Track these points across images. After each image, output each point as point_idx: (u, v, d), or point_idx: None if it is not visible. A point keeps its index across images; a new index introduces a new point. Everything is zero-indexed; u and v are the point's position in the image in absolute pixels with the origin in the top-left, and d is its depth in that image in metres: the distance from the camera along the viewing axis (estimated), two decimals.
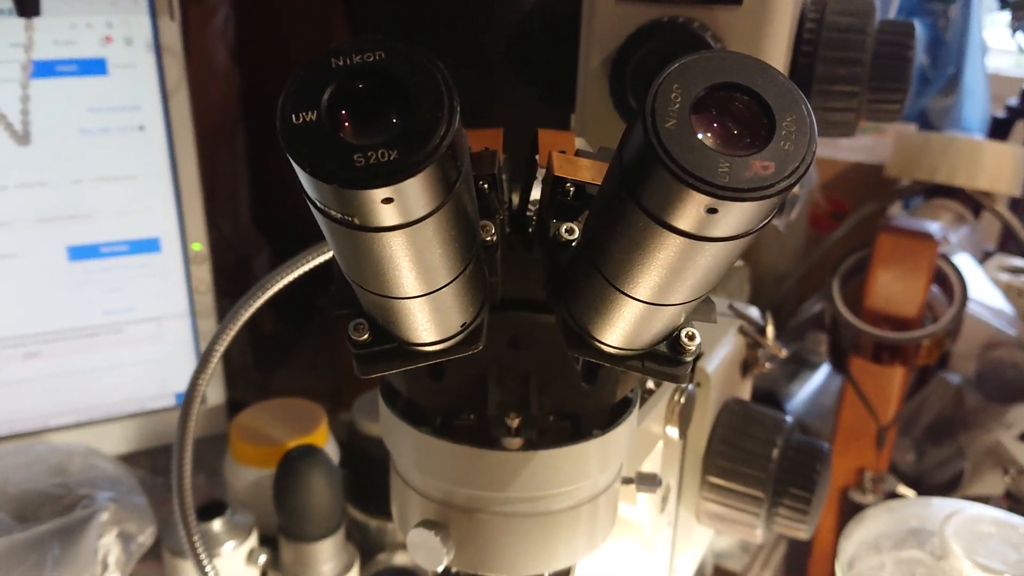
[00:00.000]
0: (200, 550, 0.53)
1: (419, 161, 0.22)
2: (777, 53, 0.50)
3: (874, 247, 0.78)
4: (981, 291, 0.89)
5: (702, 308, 0.31)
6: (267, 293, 0.50)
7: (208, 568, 0.53)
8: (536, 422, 0.37)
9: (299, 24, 0.96)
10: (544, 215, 0.34)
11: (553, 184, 0.34)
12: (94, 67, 0.72)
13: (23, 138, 0.67)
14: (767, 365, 0.59)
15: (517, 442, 0.37)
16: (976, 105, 1.44)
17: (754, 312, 0.59)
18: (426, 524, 0.39)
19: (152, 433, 0.80)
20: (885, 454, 0.83)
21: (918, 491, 0.85)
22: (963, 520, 0.62)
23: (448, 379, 0.38)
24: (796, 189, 0.22)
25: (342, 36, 0.92)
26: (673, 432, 0.50)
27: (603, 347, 0.32)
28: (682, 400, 0.49)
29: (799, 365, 0.98)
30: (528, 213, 0.37)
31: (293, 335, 1.02)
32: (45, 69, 0.70)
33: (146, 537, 0.61)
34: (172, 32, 0.73)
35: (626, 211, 0.24)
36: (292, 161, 0.22)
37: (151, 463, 0.79)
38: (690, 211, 0.23)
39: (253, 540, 0.66)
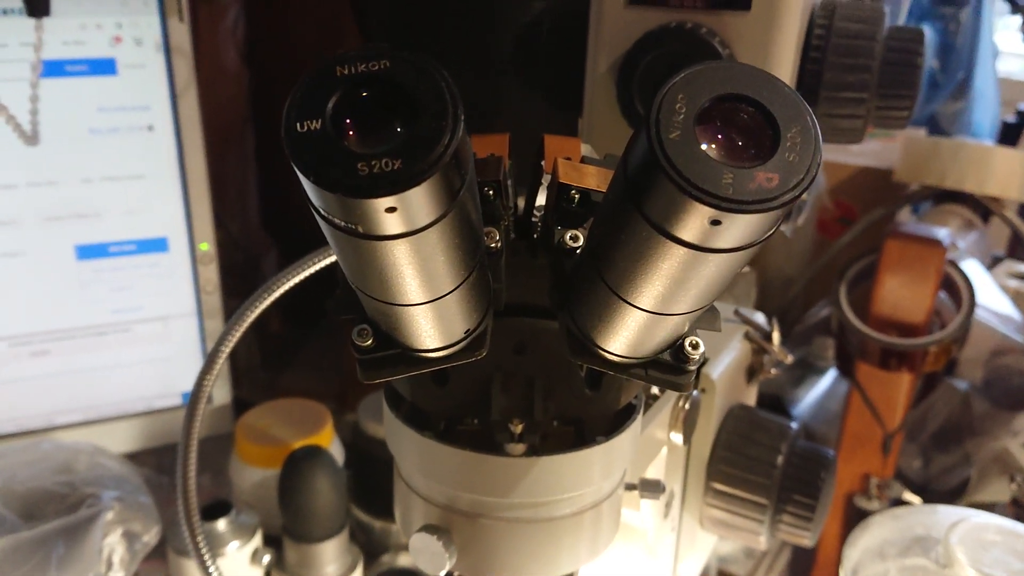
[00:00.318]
0: (204, 550, 0.53)
1: (423, 170, 0.22)
2: (785, 59, 0.49)
3: (882, 252, 0.78)
4: (989, 297, 0.89)
5: (706, 316, 0.31)
6: (274, 295, 0.50)
7: (212, 568, 0.54)
8: (539, 428, 0.37)
9: (308, 25, 0.96)
10: (549, 222, 0.34)
11: (558, 191, 0.34)
12: (104, 67, 0.72)
13: (32, 138, 0.68)
14: (773, 371, 0.58)
15: (520, 448, 0.37)
16: (986, 110, 1.44)
17: (760, 318, 0.59)
18: (429, 529, 0.39)
19: (158, 432, 0.80)
20: (891, 461, 0.83)
21: (924, 498, 0.84)
22: (968, 528, 0.62)
23: (452, 384, 0.38)
24: (804, 195, 0.22)
25: (350, 37, 0.92)
26: (677, 438, 0.50)
27: (606, 355, 0.32)
28: (687, 406, 0.49)
29: (805, 370, 0.98)
30: (533, 219, 0.37)
31: (300, 336, 1.02)
32: (55, 69, 0.70)
33: (151, 536, 0.61)
34: (182, 33, 0.73)
35: (630, 220, 0.24)
36: (296, 169, 0.22)
37: (157, 461, 0.79)
38: (694, 222, 0.22)
39: (257, 540, 0.66)
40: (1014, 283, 0.98)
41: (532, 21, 0.58)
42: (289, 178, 0.23)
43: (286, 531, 0.66)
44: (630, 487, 0.45)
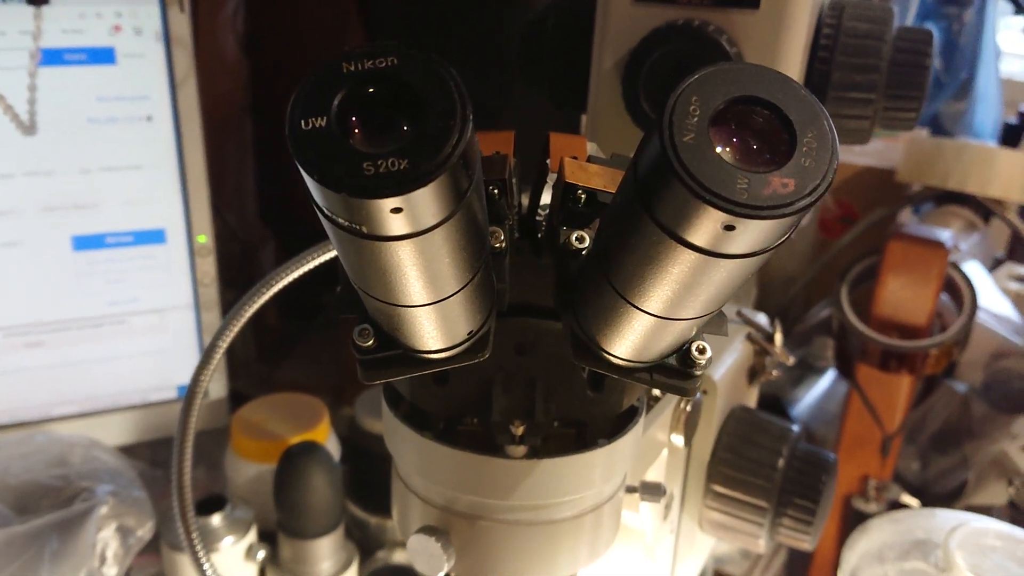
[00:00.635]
0: (198, 545, 0.53)
1: (430, 171, 0.21)
2: (793, 58, 0.49)
3: (884, 254, 0.78)
4: (990, 300, 0.88)
5: (713, 320, 0.31)
6: (271, 290, 0.50)
7: (205, 564, 0.53)
8: (541, 430, 0.37)
9: (310, 16, 0.95)
10: (554, 221, 0.34)
11: (564, 191, 0.33)
12: (103, 56, 0.71)
13: (29, 128, 0.67)
14: (774, 373, 0.58)
15: (521, 450, 0.37)
16: (988, 110, 1.43)
17: (762, 319, 0.58)
18: (427, 530, 0.38)
19: (154, 425, 0.80)
20: (890, 463, 0.83)
21: (922, 500, 0.84)
22: (968, 533, 0.62)
23: (452, 384, 0.37)
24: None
25: (354, 29, 0.92)
26: (678, 440, 0.49)
27: (611, 358, 0.31)
28: (688, 408, 0.49)
29: (804, 370, 0.98)
30: (538, 218, 0.37)
31: (297, 329, 1.02)
32: (54, 57, 0.70)
33: (145, 531, 0.60)
34: (181, 22, 0.73)
35: (639, 224, 0.24)
36: (300, 168, 0.22)
37: (152, 455, 0.79)
38: (706, 227, 0.22)
39: (252, 536, 0.66)
40: (1015, 286, 0.98)
41: (538, 17, 0.57)
42: (288, 170, 0.23)
43: (281, 527, 0.65)
44: (631, 490, 0.44)
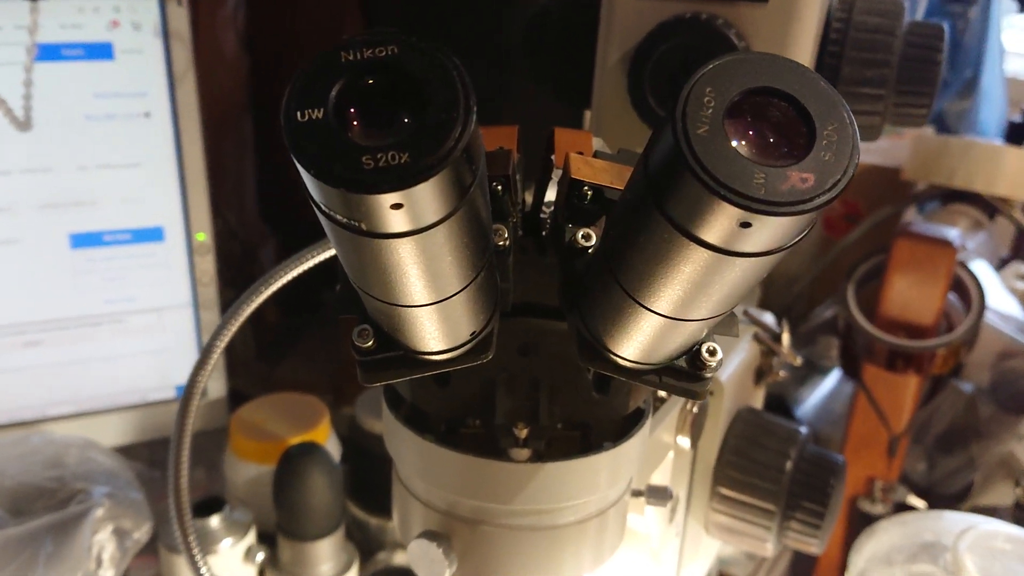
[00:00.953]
0: (195, 549, 0.52)
1: (432, 165, 0.20)
2: (803, 52, 0.48)
3: (891, 253, 0.77)
4: (997, 299, 0.87)
5: (724, 321, 0.30)
6: (270, 289, 0.49)
7: (202, 566, 0.52)
8: (545, 433, 0.36)
9: (310, 10, 0.94)
10: (559, 219, 0.33)
11: (570, 187, 0.32)
12: (100, 52, 0.71)
13: (24, 124, 0.66)
14: (781, 373, 0.57)
15: (525, 453, 0.36)
16: (993, 109, 1.42)
17: (769, 319, 0.57)
18: (428, 535, 0.37)
19: (152, 425, 0.79)
20: (896, 464, 0.82)
21: (928, 501, 0.83)
22: (977, 536, 0.61)
23: (454, 385, 0.36)
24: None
25: (354, 23, 0.91)
26: (684, 442, 0.48)
27: (619, 360, 0.30)
28: (695, 409, 0.48)
29: (809, 369, 0.97)
30: (542, 215, 0.36)
31: (297, 326, 1.01)
32: (51, 52, 0.69)
33: (142, 534, 0.59)
34: (180, 17, 0.72)
35: (650, 221, 0.23)
36: (296, 161, 0.21)
37: (150, 455, 0.78)
38: (721, 224, 0.21)
39: (251, 537, 0.65)
40: (1022, 285, 0.97)
41: (541, 10, 0.56)
42: (288, 167, 0.22)
43: (280, 528, 0.65)
44: (636, 493, 0.43)
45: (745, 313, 0.57)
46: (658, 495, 0.43)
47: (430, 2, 0.68)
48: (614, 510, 0.40)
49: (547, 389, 0.36)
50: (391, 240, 0.22)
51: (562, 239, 0.32)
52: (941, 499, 0.86)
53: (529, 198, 0.37)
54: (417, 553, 0.37)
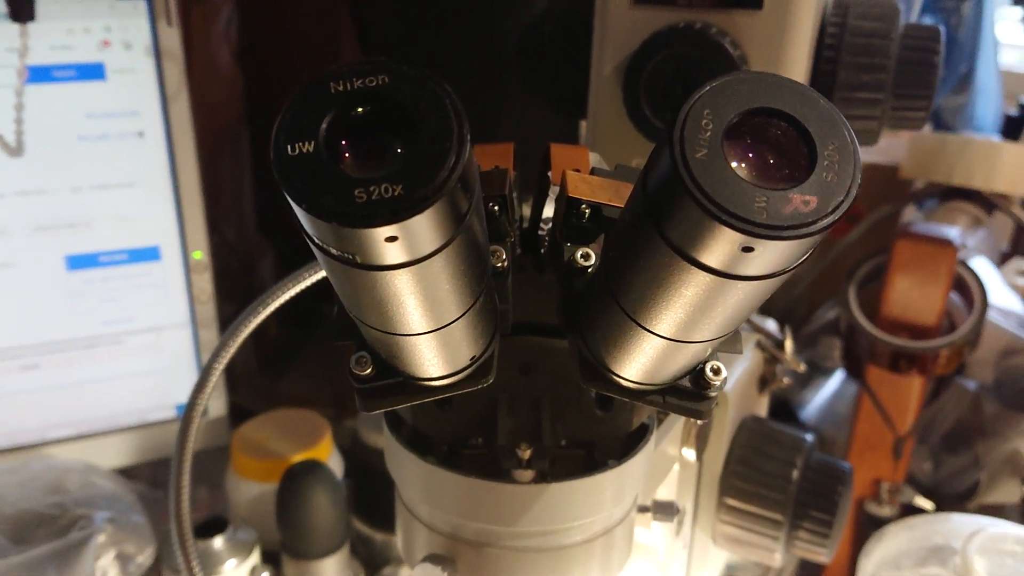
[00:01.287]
0: (198, 572, 0.51)
1: (426, 196, 0.20)
2: (798, 59, 0.47)
3: (892, 253, 0.76)
4: (998, 296, 0.87)
5: (728, 339, 0.29)
6: (269, 308, 0.49)
7: None
8: (548, 453, 0.35)
9: (304, 25, 0.94)
10: (558, 237, 0.32)
11: (567, 206, 0.32)
12: (92, 72, 0.70)
13: (15, 149, 0.66)
14: (785, 380, 0.57)
15: (528, 474, 0.35)
16: (989, 103, 1.42)
17: (771, 325, 0.57)
18: (432, 559, 0.37)
19: (152, 445, 0.78)
20: (902, 465, 0.81)
21: (935, 501, 0.83)
22: (986, 539, 0.61)
23: (456, 407, 0.36)
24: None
25: (348, 37, 0.90)
26: (690, 454, 0.48)
27: (621, 381, 0.30)
28: (699, 421, 0.48)
29: (812, 372, 0.96)
30: (540, 232, 0.36)
31: (298, 340, 1.00)
32: (42, 74, 0.68)
33: (145, 557, 0.59)
34: (172, 36, 0.71)
35: (649, 243, 0.23)
36: (287, 196, 0.20)
37: (152, 475, 0.77)
38: (722, 248, 0.21)
39: (255, 557, 0.65)
40: (1023, 281, 0.97)
41: (534, 21, 0.56)
42: None
43: (285, 548, 0.64)
44: (643, 509, 0.43)
45: (748, 321, 0.57)
46: (664, 510, 0.43)
47: (424, 15, 0.67)
48: (620, 527, 0.39)
49: (549, 408, 0.36)
50: (386, 272, 0.22)
51: (561, 258, 0.32)
52: (947, 499, 0.85)
53: (526, 211, 0.37)
54: None
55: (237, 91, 0.94)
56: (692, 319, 0.24)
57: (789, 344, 0.55)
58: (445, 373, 0.29)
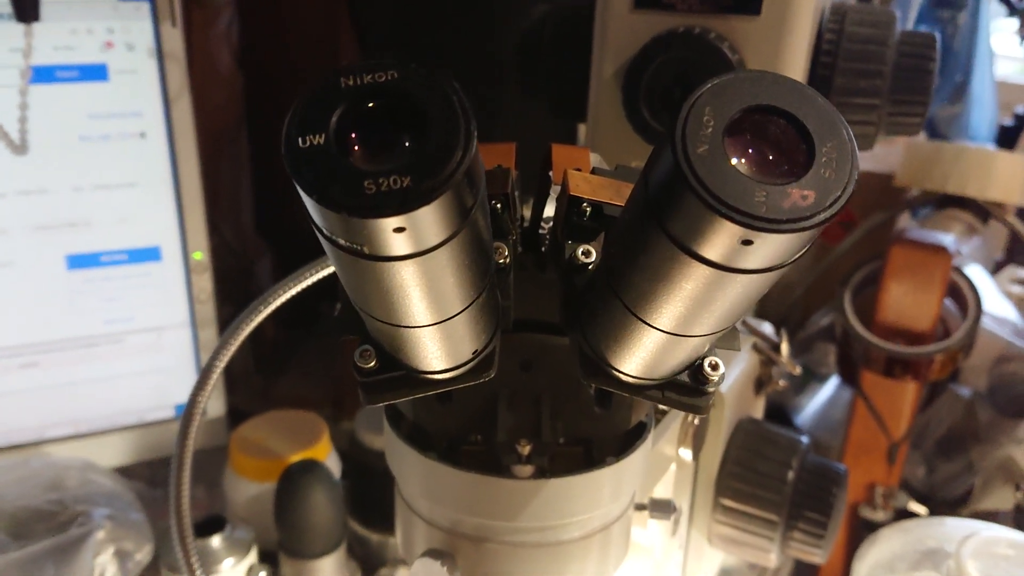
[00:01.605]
0: (197, 570, 0.51)
1: (434, 188, 0.20)
2: (796, 64, 0.48)
3: (887, 259, 0.77)
4: (993, 303, 0.88)
5: (726, 335, 0.30)
6: (269, 308, 0.49)
7: None
8: (548, 448, 0.36)
9: (304, 27, 0.94)
10: (559, 235, 0.33)
11: (568, 204, 0.32)
12: (95, 73, 0.71)
13: (20, 147, 0.66)
14: (781, 383, 0.57)
15: (528, 470, 0.36)
16: (983, 114, 1.43)
17: (768, 328, 0.57)
18: (432, 553, 0.37)
19: (151, 445, 0.79)
20: (896, 470, 0.82)
21: (928, 506, 0.83)
22: (980, 542, 0.61)
23: (456, 402, 0.36)
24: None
25: (347, 38, 0.91)
26: (686, 454, 0.48)
27: (621, 376, 0.30)
28: (696, 421, 0.48)
29: (807, 377, 0.97)
30: (541, 231, 0.36)
31: (296, 341, 1.01)
32: (45, 75, 0.69)
33: (143, 555, 0.59)
34: (174, 38, 0.72)
35: (651, 238, 0.23)
36: (298, 187, 0.21)
37: (150, 474, 0.78)
38: (722, 242, 0.21)
39: (253, 556, 0.65)
40: (1017, 289, 0.98)
41: (534, 25, 0.56)
42: (286, 183, 0.22)
43: (282, 547, 0.64)
44: (639, 507, 0.43)
45: (743, 323, 0.57)
46: (661, 508, 0.43)
47: (423, 17, 0.68)
48: (618, 525, 0.39)
49: (549, 405, 0.36)
50: (393, 263, 0.22)
51: (562, 256, 0.32)
52: (941, 504, 0.86)
53: (527, 212, 0.37)
54: (421, 572, 0.37)
55: (237, 93, 0.95)
56: (691, 313, 0.25)
57: (785, 347, 0.56)
58: (448, 367, 0.30)
